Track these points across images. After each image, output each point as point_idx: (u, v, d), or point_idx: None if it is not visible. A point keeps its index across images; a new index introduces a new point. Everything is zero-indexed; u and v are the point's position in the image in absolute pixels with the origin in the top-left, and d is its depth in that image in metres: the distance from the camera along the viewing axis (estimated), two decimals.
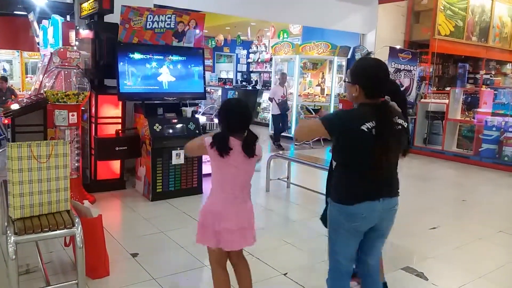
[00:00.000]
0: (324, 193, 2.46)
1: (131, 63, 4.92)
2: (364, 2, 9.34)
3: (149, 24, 4.97)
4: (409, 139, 2.82)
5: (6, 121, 4.94)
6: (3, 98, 8.14)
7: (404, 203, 5.38)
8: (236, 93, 13.41)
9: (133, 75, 4.97)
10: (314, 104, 10.06)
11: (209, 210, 2.38)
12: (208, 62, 16.06)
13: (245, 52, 16.16)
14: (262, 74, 15.55)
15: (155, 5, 6.12)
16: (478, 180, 7.08)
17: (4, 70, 12.78)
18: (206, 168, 5.26)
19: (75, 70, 4.64)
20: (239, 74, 16.47)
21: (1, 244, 3.34)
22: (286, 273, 3.29)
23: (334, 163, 2.26)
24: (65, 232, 2.68)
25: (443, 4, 9.85)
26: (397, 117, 2.15)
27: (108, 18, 5.13)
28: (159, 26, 5.05)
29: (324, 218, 2.34)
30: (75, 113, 4.57)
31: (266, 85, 13.32)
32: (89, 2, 5.13)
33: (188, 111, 5.24)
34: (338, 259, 2.25)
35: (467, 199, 5.80)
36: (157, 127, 4.89)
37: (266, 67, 15.43)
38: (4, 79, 8.86)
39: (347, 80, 2.21)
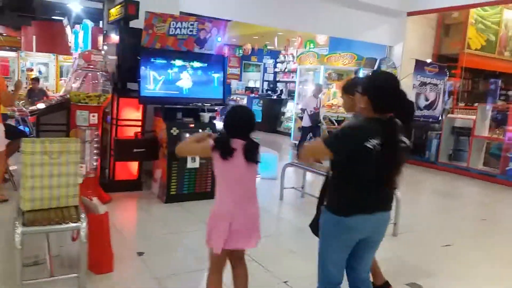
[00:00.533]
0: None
1: (153, 67, 5.07)
2: (393, 13, 9.26)
3: (172, 31, 5.11)
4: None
5: (32, 119, 5.15)
6: (35, 98, 8.50)
7: (422, 219, 5.32)
8: (261, 101, 13.50)
9: (154, 80, 5.11)
10: (337, 116, 9.99)
11: (218, 213, 2.41)
12: (235, 71, 16.29)
13: (272, 61, 16.25)
14: (288, 84, 15.58)
15: (181, 13, 6.29)
16: (502, 199, 6.84)
17: (40, 72, 13.35)
18: None
19: (98, 73, 4.81)
20: (265, 83, 16.57)
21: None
22: (287, 281, 3.28)
23: (331, 172, 2.26)
24: (70, 227, 2.78)
25: (475, 17, 9.65)
26: (401, 134, 2.13)
27: (134, 24, 5.31)
28: (182, 33, 5.18)
29: (313, 226, 2.34)
30: (96, 114, 4.73)
31: (291, 94, 13.35)
32: (116, 7, 5.33)
33: (205, 116, 5.33)
34: (329, 269, 2.23)
35: (487, 218, 5.61)
36: (174, 131, 5.00)
37: (292, 76, 15.45)
38: (36, 79, 9.26)
39: (359, 91, 2.18)
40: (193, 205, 5.01)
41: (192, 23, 5.19)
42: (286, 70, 15.89)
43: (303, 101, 9.52)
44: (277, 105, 13.14)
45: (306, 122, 8.87)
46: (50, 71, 14.14)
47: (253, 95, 14.28)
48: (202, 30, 5.28)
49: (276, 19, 8.37)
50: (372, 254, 2.31)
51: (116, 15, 5.32)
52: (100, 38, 6.27)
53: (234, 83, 15.76)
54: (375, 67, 9.87)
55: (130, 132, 5.34)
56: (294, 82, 14.56)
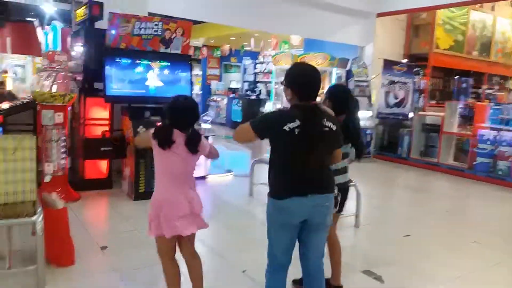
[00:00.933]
0: None
1: (118, 67, 5.13)
2: (363, 15, 9.47)
3: (137, 31, 5.18)
4: (361, 142, 2.95)
5: None
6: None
7: (387, 212, 5.47)
8: (240, 102, 13.60)
9: (120, 79, 5.17)
10: None
11: (158, 199, 2.49)
12: (215, 71, 16.37)
13: (251, 62, 16.37)
14: (267, 84, 15.71)
15: (149, 13, 6.34)
16: (468, 193, 7.05)
17: (16, 74, 13.20)
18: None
19: (62, 73, 4.85)
20: (246, 84, 16.68)
21: None
22: (245, 270, 3.38)
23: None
24: (26, 221, 2.83)
25: (442, 18, 9.91)
26: (325, 119, 2.26)
27: (99, 24, 5.36)
28: (147, 33, 5.25)
29: None
30: (61, 114, 4.77)
31: (278, 95, 13.49)
32: (81, 8, 5.38)
33: None
34: (273, 252, 2.36)
35: (451, 210, 5.80)
36: (141, 129, 5.05)
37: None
38: (1, 83, 9.13)
39: (283, 84, 2.33)
40: None
41: (157, 23, 5.27)
42: (265, 71, 16.03)
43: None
44: (256, 105, 13.23)
45: None
46: (27, 73, 13.98)
47: (233, 95, 14.37)
48: (167, 30, 5.36)
49: (248, 20, 8.46)
50: (319, 239, 2.39)
51: (82, 16, 5.37)
52: (69, 39, 6.29)
53: (214, 84, 15.86)
54: (348, 67, 10.08)
55: (99, 131, 5.38)
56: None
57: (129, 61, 5.18)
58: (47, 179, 4.78)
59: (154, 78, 5.39)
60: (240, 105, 13.55)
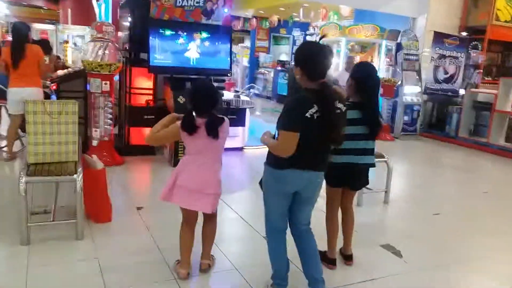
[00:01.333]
0: None
1: (161, 38, 5.34)
2: None
3: (179, 2, 5.34)
4: (378, 121, 2.96)
5: (54, 87, 5.59)
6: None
7: (423, 190, 5.39)
8: (286, 75, 13.56)
9: (163, 50, 5.39)
10: None
11: (179, 170, 2.69)
12: (263, 43, 16.33)
13: (300, 33, 16.10)
14: None
15: None
16: None
17: (75, 44, 13.96)
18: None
19: (110, 43, 5.14)
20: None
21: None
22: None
23: (276, 132, 2.45)
24: (66, 178, 3.15)
25: None
26: (337, 101, 2.32)
27: None
28: (189, 4, 5.40)
29: (260, 183, 2.57)
30: (107, 82, 5.09)
31: None
32: None
33: None
34: (270, 216, 2.52)
35: (491, 192, 5.60)
36: (181, 99, 5.29)
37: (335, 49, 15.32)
38: (57, 57, 9.68)
39: (293, 63, 2.40)
40: None
41: None
42: None
43: (336, 75, 8.51)
44: None
45: None
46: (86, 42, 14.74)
47: (279, 68, 14.33)
48: (209, 1, 5.48)
49: None
50: (307, 210, 2.53)
51: None
52: (118, 10, 6.59)
53: (262, 56, 15.85)
54: (398, 39, 9.72)
55: (143, 100, 5.69)
56: None
57: (172, 32, 5.36)
58: (94, 143, 5.18)
59: (195, 50, 5.56)
60: (287, 78, 13.51)
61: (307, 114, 2.20)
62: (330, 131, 2.27)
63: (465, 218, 4.48)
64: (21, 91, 4.65)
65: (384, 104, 8.57)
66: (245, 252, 3.38)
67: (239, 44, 19.05)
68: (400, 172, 6.08)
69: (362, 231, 3.66)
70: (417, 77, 8.84)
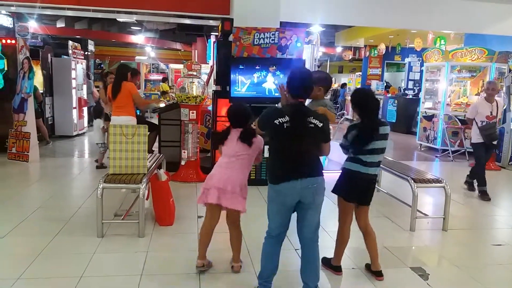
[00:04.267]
0: None
1: (241, 72, 6.09)
2: None
3: (256, 41, 6.05)
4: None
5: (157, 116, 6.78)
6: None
7: (497, 222, 5.02)
8: (396, 101, 13.28)
9: (242, 83, 6.13)
10: (464, 115, 9.35)
11: (212, 176, 3.24)
12: (376, 71, 16.23)
13: (417, 59, 15.57)
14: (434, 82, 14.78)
15: (281, 23, 7.10)
16: None
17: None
18: None
19: (197, 79, 6.08)
20: (410, 83, 16.01)
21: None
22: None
23: None
24: (133, 186, 3.98)
25: None
26: (312, 117, 2.67)
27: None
28: (265, 42, 6.07)
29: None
30: (194, 111, 6.01)
31: (430, 93, 12.75)
32: (219, 25, 6.55)
33: None
34: (269, 224, 2.89)
35: None
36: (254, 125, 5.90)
37: (439, 74, 14.59)
38: (165, 93, 11.20)
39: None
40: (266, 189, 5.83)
41: (274, 32, 6.03)
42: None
43: (470, 107, 6.67)
44: (413, 105, 12.74)
45: (475, 138, 6.17)
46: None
47: (389, 95, 14.10)
48: (283, 38, 6.07)
49: (396, 19, 8.43)
50: (311, 216, 2.79)
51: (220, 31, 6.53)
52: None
53: (374, 83, 15.78)
54: (510, 61, 8.94)
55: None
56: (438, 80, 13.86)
57: (250, 67, 6.07)
58: (182, 162, 6.11)
59: (271, 81, 6.17)
60: (395, 105, 13.23)
61: (276, 121, 2.63)
62: (299, 141, 2.62)
63: None
64: (117, 118, 5.69)
65: None
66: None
67: (357, 73, 19.23)
68: (492, 204, 5.71)
69: (397, 252, 3.76)
70: None
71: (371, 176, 3.22)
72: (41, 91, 8.89)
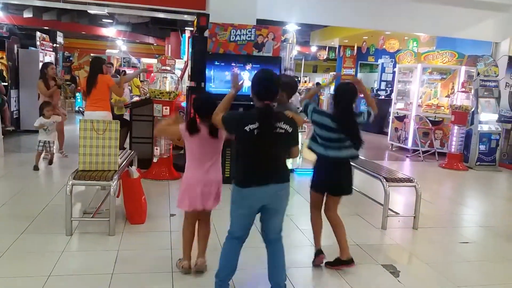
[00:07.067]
0: None
1: (216, 69, 6.02)
2: (498, 7, 8.55)
3: (233, 37, 5.99)
4: (355, 135, 3.24)
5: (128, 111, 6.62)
6: None
7: (470, 221, 5.15)
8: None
9: (218, 79, 6.06)
10: (434, 116, 9.61)
11: (188, 177, 3.16)
12: (350, 71, 16.43)
13: (390, 60, 15.82)
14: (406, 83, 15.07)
15: (258, 20, 7.04)
16: None
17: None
18: None
19: (171, 74, 5.97)
20: (383, 84, 16.26)
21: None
22: None
23: None
24: (103, 183, 3.87)
25: None
26: (282, 122, 2.64)
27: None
28: (241, 39, 6.02)
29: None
30: (167, 107, 5.90)
31: (402, 94, 13.00)
32: (194, 20, 6.46)
33: None
34: (232, 225, 2.82)
35: None
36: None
37: (411, 76, 14.91)
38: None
39: None
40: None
41: (250, 30, 5.99)
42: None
43: None
44: (385, 105, 12.93)
45: None
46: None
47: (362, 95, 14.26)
48: (259, 35, 6.04)
49: (370, 20, 8.47)
50: (275, 220, 2.79)
51: (195, 26, 6.44)
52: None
53: None
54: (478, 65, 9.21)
55: None
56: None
57: (224, 63, 6.01)
58: (154, 159, 5.99)
59: (247, 79, 6.12)
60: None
61: (247, 128, 2.56)
62: (268, 147, 2.60)
63: (490, 250, 4.22)
64: (92, 114, 5.55)
65: (455, 132, 8.17)
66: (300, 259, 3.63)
67: (331, 73, 19.43)
68: (460, 203, 5.85)
69: (369, 250, 3.82)
70: (496, 104, 8.27)
71: (330, 159, 3.31)
72: (5, 84, 8.54)
